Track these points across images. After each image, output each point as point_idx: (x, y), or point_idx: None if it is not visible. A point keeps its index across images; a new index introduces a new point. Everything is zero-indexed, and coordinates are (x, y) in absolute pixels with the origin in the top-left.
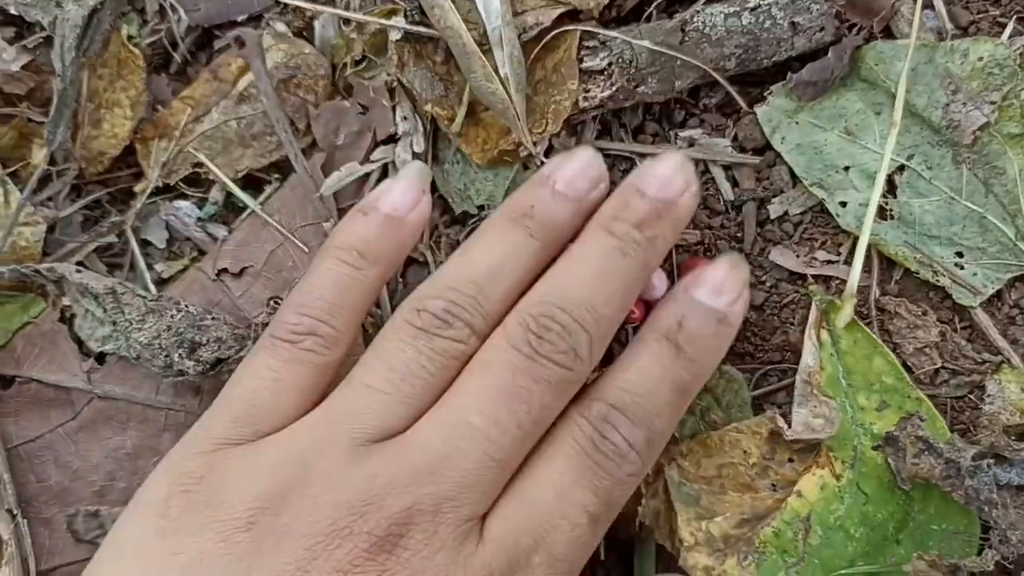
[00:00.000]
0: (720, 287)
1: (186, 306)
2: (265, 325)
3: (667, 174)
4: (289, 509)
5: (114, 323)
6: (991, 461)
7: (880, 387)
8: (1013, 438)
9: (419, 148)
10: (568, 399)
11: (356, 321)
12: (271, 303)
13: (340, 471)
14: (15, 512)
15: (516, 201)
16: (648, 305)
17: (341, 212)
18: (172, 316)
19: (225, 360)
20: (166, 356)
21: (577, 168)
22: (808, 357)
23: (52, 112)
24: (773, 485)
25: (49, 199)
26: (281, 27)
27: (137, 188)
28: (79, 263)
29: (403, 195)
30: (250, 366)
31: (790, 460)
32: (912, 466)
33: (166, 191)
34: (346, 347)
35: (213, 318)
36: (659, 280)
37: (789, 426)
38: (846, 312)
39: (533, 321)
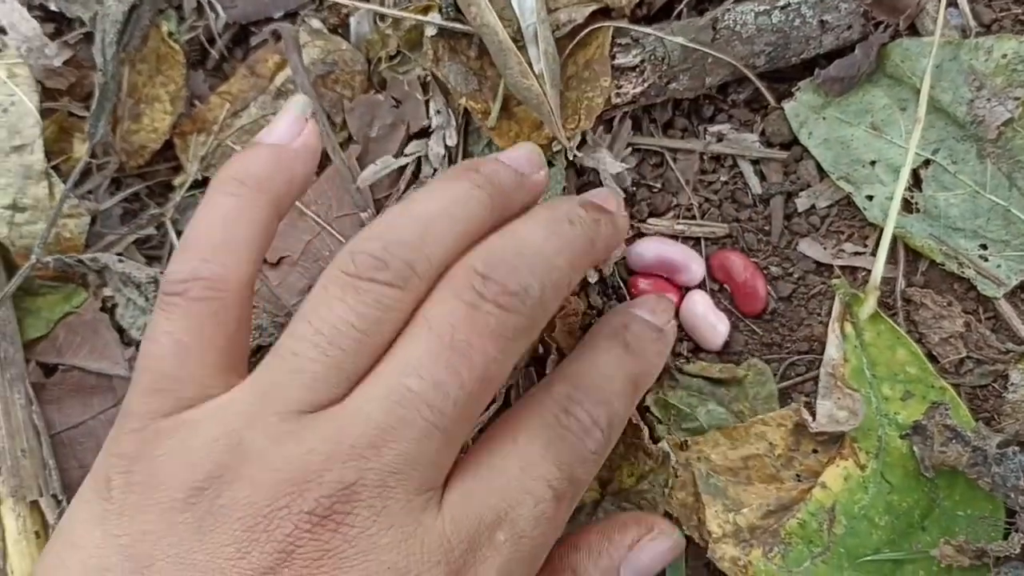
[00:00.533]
0: (654, 310)
1: None
2: None
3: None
4: (227, 489)
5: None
6: (1016, 448)
7: (904, 377)
8: None
9: (451, 141)
10: (517, 356)
11: (250, 258)
12: (308, 291)
13: (276, 447)
14: (60, 497)
15: (459, 164)
16: (683, 292)
17: (377, 203)
18: None
19: (265, 347)
20: None
21: (521, 152)
22: (832, 349)
23: (94, 106)
24: (798, 476)
25: (90, 192)
26: (317, 23)
27: (176, 181)
28: (119, 255)
29: (287, 126)
30: (150, 333)
31: (814, 451)
32: (939, 454)
33: (204, 184)
34: (244, 290)
35: (252, 307)
36: (697, 265)
37: (814, 418)
38: (870, 304)
39: (480, 263)
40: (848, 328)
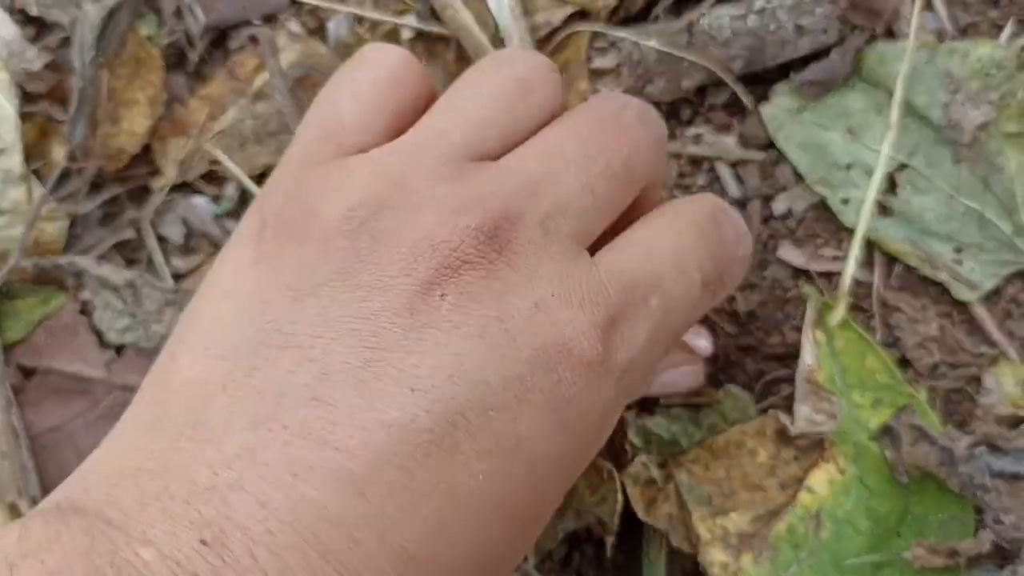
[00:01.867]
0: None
1: None
2: None
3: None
4: (388, 213)
5: (133, 315)
6: (984, 449)
7: (873, 384)
8: (1006, 428)
9: None
10: (645, 180)
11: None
12: None
13: (437, 181)
14: (38, 499)
15: None
16: None
17: None
18: None
19: None
20: None
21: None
22: (807, 355)
23: (71, 110)
24: (781, 484)
25: (70, 195)
26: (295, 27)
27: (154, 185)
28: (100, 257)
29: None
30: (329, 84)
31: (795, 458)
32: (908, 455)
33: (183, 188)
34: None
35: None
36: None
37: (792, 423)
38: (839, 311)
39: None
40: (820, 335)
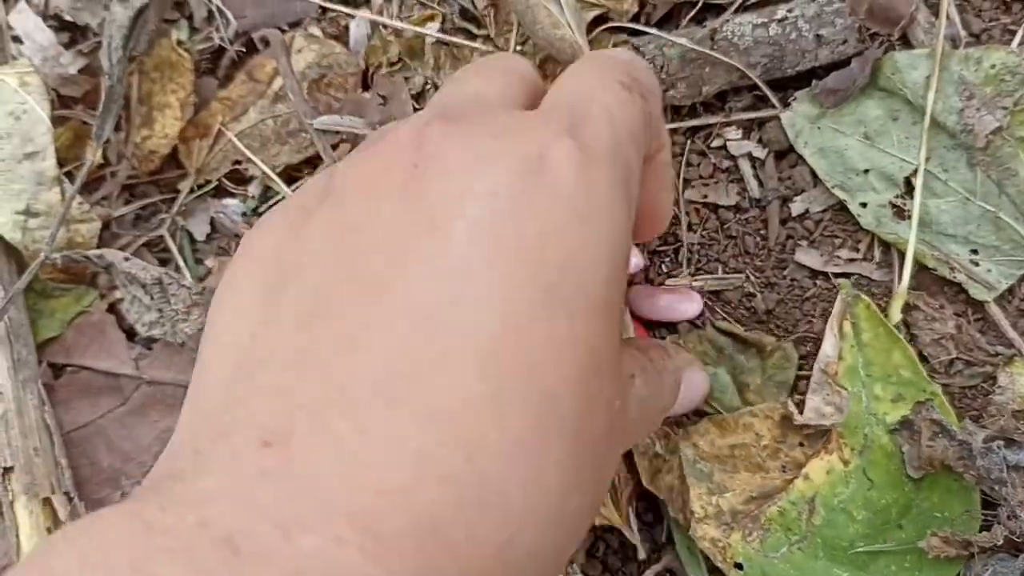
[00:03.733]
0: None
1: None
2: None
3: None
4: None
5: (160, 311)
6: (1001, 443)
7: (897, 379)
8: (1021, 422)
9: None
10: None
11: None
12: None
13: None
14: (72, 495)
15: None
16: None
17: None
18: None
19: None
20: None
21: None
22: (828, 347)
23: (100, 109)
24: (783, 467)
25: (104, 198)
26: (315, 30)
27: (180, 186)
28: (126, 257)
29: None
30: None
31: (800, 444)
32: (927, 448)
33: (217, 190)
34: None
35: None
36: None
37: (800, 412)
38: (895, 309)
39: None
40: (847, 327)
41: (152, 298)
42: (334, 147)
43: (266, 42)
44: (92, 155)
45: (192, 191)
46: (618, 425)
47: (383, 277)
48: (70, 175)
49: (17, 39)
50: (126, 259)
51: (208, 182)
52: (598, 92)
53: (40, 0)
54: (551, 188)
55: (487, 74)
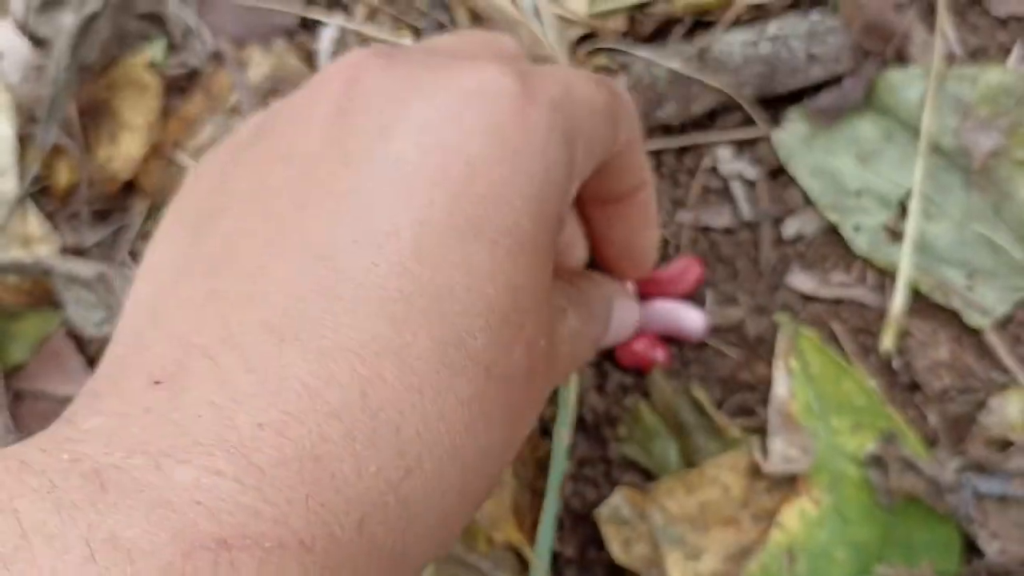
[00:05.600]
0: None
1: None
2: None
3: None
4: None
5: (108, 307)
6: (969, 475)
7: (851, 408)
8: (995, 449)
9: None
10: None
11: None
12: None
13: None
14: None
15: None
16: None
17: None
18: None
19: None
20: None
21: None
22: (780, 387)
23: (44, 116)
24: (755, 516)
25: (73, 216)
26: (280, 43)
27: (137, 207)
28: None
29: None
30: None
31: (769, 490)
32: (897, 483)
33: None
34: None
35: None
36: (698, 315)
37: (766, 457)
38: (888, 337)
39: None
40: (794, 364)
41: (97, 296)
42: None
43: (220, 57)
44: (34, 163)
45: (150, 214)
46: (541, 364)
47: (287, 217)
48: (44, 191)
49: None
50: (64, 260)
51: (165, 203)
52: (564, 69)
53: (21, 16)
54: (485, 120)
55: (464, 36)
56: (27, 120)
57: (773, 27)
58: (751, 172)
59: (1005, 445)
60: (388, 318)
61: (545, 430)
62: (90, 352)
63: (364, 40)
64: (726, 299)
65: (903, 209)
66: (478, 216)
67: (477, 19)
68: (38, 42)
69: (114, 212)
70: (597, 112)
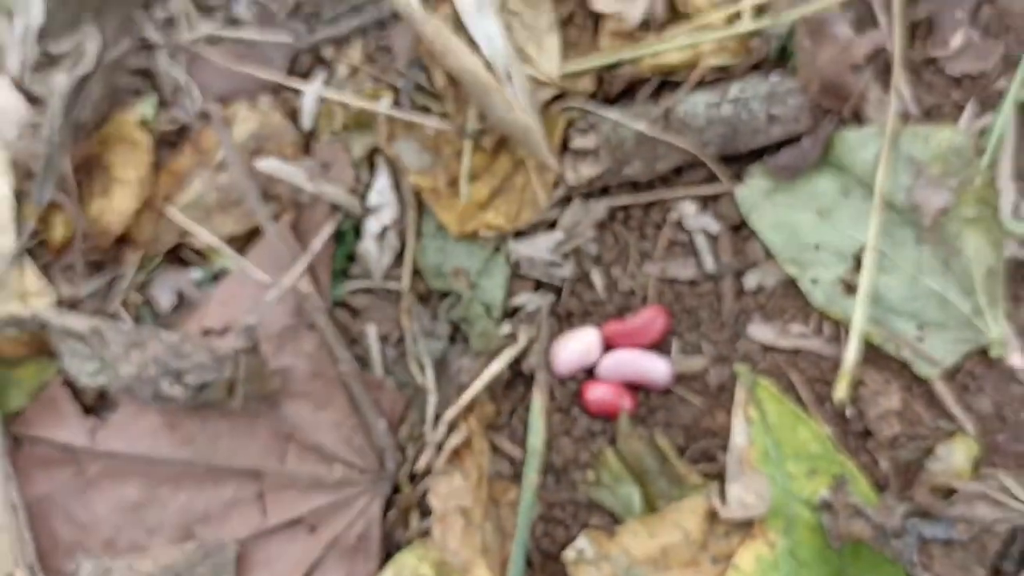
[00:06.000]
0: None
1: (165, 336)
2: (243, 350)
3: None
4: None
5: (101, 359)
6: (916, 520)
7: (807, 455)
8: (940, 496)
9: (388, 220)
10: None
11: None
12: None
13: None
14: (36, 569)
15: None
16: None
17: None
18: (154, 347)
19: (209, 384)
20: (154, 386)
21: None
22: (738, 435)
23: (39, 174)
24: (714, 558)
25: (68, 267)
26: (265, 100)
27: (131, 260)
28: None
29: None
30: None
31: (727, 533)
32: (846, 528)
33: (179, 260)
34: None
35: (191, 345)
36: (664, 366)
37: (724, 502)
38: (842, 388)
39: None
40: (752, 413)
41: (91, 348)
42: (276, 217)
43: (207, 115)
44: (31, 218)
45: (143, 265)
46: None
47: None
48: (41, 245)
49: None
50: (59, 314)
51: (157, 254)
52: None
53: (17, 75)
54: None
55: None
56: (23, 176)
57: (735, 89)
58: (714, 227)
59: (950, 492)
60: None
61: (516, 474)
62: (86, 400)
63: (343, 105)
64: (690, 348)
65: (858, 263)
66: None
67: (453, 81)
68: (33, 100)
69: (107, 264)
70: None
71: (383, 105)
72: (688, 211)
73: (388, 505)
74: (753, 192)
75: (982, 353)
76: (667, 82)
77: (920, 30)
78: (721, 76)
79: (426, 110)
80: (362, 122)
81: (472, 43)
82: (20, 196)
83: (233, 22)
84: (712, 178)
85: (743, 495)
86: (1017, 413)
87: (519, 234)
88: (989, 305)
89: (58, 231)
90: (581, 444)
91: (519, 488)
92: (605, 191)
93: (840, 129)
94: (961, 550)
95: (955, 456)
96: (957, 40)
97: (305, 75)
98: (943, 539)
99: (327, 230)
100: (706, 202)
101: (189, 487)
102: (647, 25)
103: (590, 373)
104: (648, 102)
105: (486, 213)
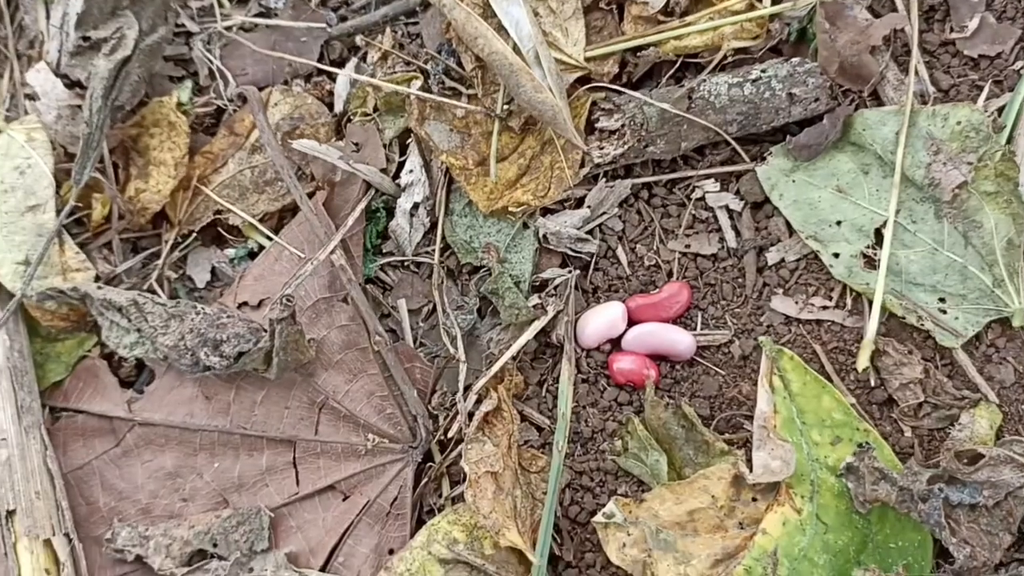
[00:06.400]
0: None
1: (203, 308)
2: (281, 319)
3: None
4: None
5: (139, 330)
6: (942, 485)
7: (831, 423)
8: (965, 462)
9: (419, 197)
10: None
11: None
12: (283, 300)
13: None
14: (72, 536)
15: None
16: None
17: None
18: (192, 319)
19: (246, 353)
20: (192, 355)
21: None
22: (763, 403)
23: (78, 154)
24: (741, 523)
25: (106, 246)
26: (298, 84)
27: (167, 237)
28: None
29: None
30: None
31: (754, 499)
32: (872, 492)
33: (216, 238)
34: None
35: (228, 316)
36: (688, 338)
37: (751, 469)
38: (863, 358)
39: None
40: (776, 382)
41: (130, 320)
42: (310, 195)
43: (244, 98)
44: (72, 198)
45: (177, 243)
46: None
47: None
48: (79, 223)
49: (31, 96)
50: (99, 287)
51: (192, 232)
52: None
53: (54, 59)
54: None
55: None
56: (62, 157)
57: (756, 70)
58: (736, 204)
59: (975, 458)
60: None
61: (544, 443)
62: (123, 372)
63: (375, 88)
64: (714, 321)
65: (879, 237)
66: None
67: (481, 65)
68: (71, 84)
69: (144, 242)
70: None
71: (414, 88)
72: (711, 189)
73: (419, 473)
74: (774, 170)
75: (1003, 323)
76: (689, 64)
77: (937, 13)
78: (742, 58)
79: (455, 93)
80: (393, 105)
81: (501, 28)
82: (59, 176)
83: (267, 11)
84: (735, 157)
85: (769, 461)
86: None
87: (546, 211)
88: (1009, 276)
89: (97, 210)
90: (608, 414)
91: (548, 457)
92: (630, 170)
93: (859, 109)
94: (987, 515)
95: (978, 424)
96: (974, 23)
97: (337, 63)
98: (969, 503)
99: (360, 207)
100: (728, 180)
101: (224, 455)
102: (670, 11)
103: (616, 345)
104: (671, 84)
105: (514, 191)
